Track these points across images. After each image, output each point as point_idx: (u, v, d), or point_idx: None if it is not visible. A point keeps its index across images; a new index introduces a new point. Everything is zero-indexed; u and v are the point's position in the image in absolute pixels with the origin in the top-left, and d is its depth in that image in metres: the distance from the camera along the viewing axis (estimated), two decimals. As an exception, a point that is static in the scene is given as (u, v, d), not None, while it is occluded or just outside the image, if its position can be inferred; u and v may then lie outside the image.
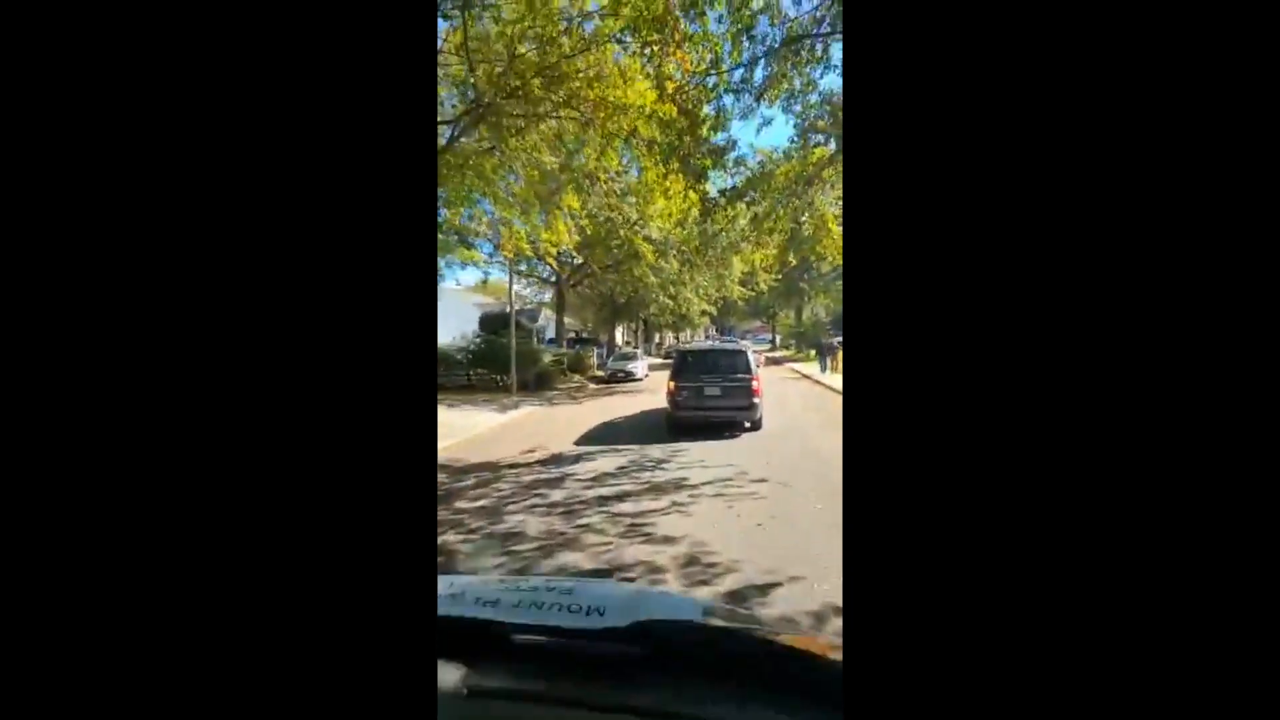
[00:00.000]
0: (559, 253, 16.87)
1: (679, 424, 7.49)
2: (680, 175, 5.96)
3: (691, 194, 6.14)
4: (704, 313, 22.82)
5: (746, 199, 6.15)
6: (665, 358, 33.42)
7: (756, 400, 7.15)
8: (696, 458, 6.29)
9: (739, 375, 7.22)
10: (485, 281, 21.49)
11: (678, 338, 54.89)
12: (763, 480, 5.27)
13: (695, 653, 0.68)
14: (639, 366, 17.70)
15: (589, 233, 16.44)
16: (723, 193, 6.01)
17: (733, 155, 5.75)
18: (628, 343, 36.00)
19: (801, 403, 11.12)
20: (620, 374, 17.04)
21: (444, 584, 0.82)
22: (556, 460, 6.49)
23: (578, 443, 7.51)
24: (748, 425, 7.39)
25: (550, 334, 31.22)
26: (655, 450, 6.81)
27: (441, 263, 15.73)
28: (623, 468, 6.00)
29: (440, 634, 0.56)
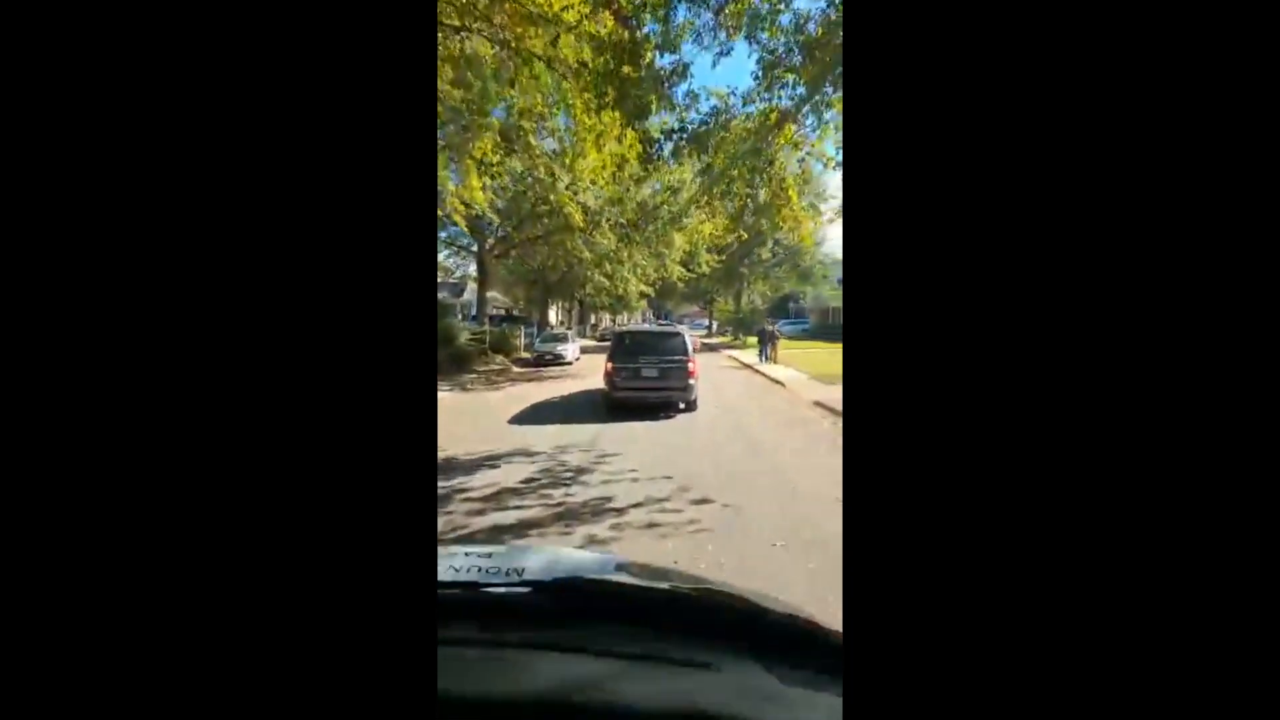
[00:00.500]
0: (481, 219, 15.09)
1: (616, 404, 7.49)
2: (616, 112, 4.63)
3: (629, 134, 4.82)
4: (642, 294, 21.49)
5: (697, 146, 4.89)
6: (601, 340, 31.98)
7: (692, 381, 7.30)
8: (627, 466, 5.09)
9: (676, 357, 7.34)
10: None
11: (614, 320, 53.46)
12: (705, 501, 4.14)
13: (610, 604, 0.75)
14: (569, 349, 16.33)
15: (508, 193, 14.74)
16: (668, 134, 4.73)
17: (683, 86, 4.51)
18: (562, 323, 34.30)
19: (743, 395, 10.10)
20: (548, 356, 15.64)
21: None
22: (448, 468, 5.09)
23: (481, 442, 6.13)
24: (682, 406, 7.45)
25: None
26: (575, 455, 5.56)
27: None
28: (532, 480, 4.70)
29: None
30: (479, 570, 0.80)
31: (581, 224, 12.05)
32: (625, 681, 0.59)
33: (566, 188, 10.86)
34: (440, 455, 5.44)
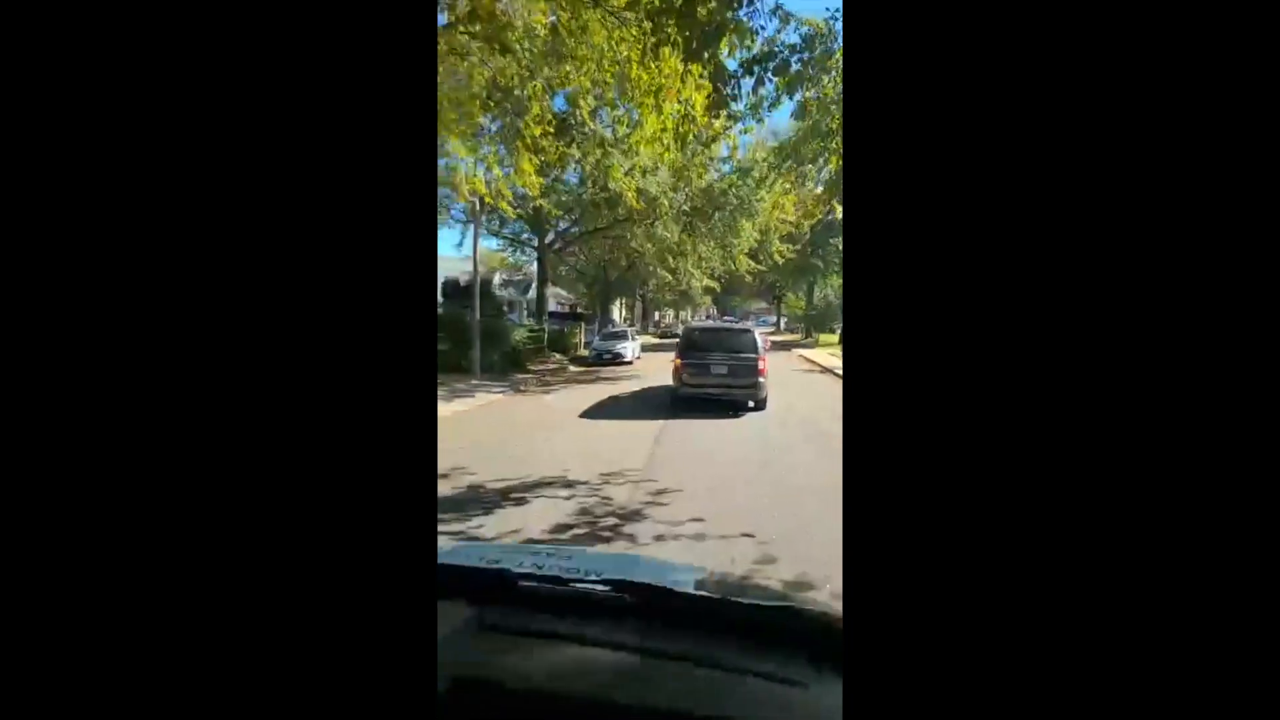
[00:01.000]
0: (541, 212, 14.38)
1: (683, 400, 7.48)
2: (677, 46, 3.48)
3: (694, 71, 3.63)
4: (707, 290, 20.13)
5: (786, 81, 3.60)
6: (663, 337, 30.98)
7: (762, 380, 7.21)
8: (689, 508, 3.95)
9: (746, 355, 7.25)
10: (462, 244, 18.99)
11: (678, 317, 52.32)
12: (805, 587, 2.77)
13: (681, 609, 0.77)
14: (629, 348, 15.34)
15: (563, 191, 13.93)
16: (748, 65, 3.49)
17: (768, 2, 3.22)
18: (626, 320, 33.54)
19: (830, 415, 7.83)
20: (607, 355, 14.77)
21: (445, 542, 1.03)
22: (469, 501, 4.15)
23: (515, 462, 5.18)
24: (751, 405, 7.34)
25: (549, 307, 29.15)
26: (624, 489, 4.48)
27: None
28: (563, 528, 3.66)
29: (455, 585, 0.75)
30: (561, 569, 0.85)
31: (638, 206, 10.96)
32: (719, 692, 0.59)
33: (626, 173, 9.84)
34: (462, 482, 4.53)
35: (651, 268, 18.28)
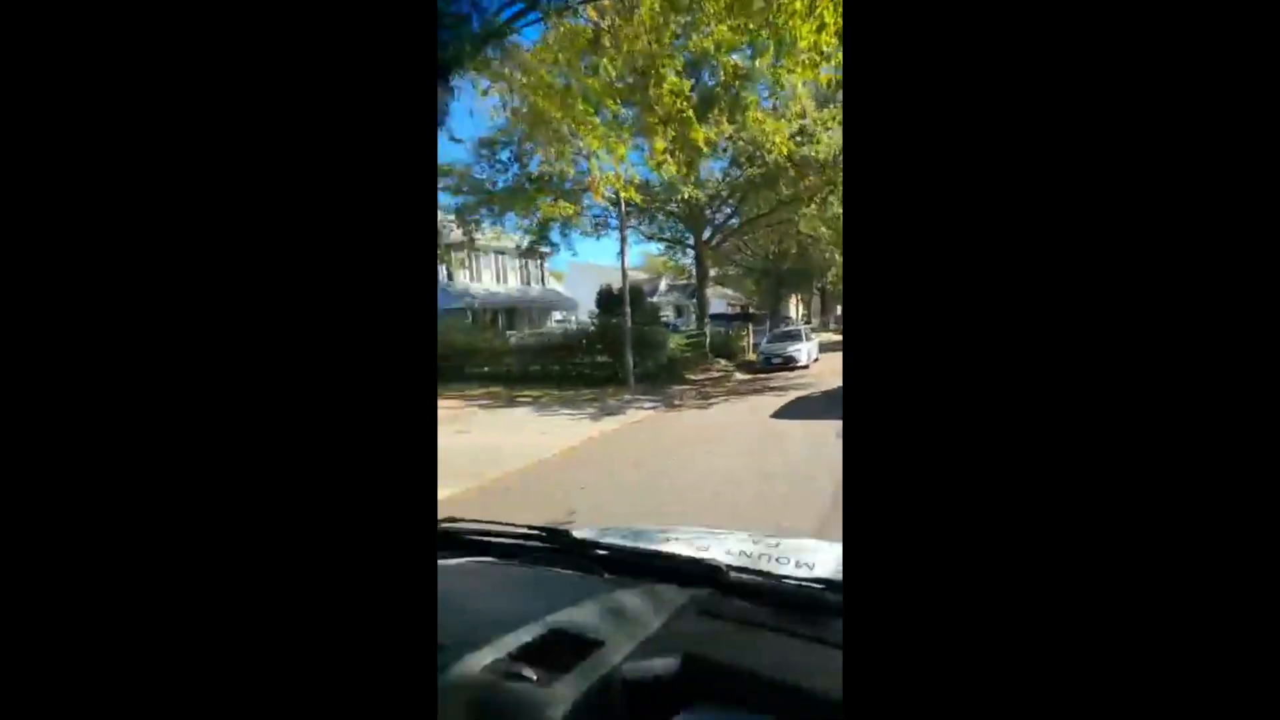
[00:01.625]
0: (698, 206, 13.08)
1: None
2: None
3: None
4: None
5: None
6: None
7: None
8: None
9: None
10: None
11: None
12: None
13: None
14: (803, 349, 12.82)
15: (713, 184, 12.34)
16: None
17: None
18: (803, 317, 30.61)
19: None
20: (776, 359, 12.59)
21: (659, 530, 1.08)
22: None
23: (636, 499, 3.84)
24: None
25: (713, 309, 27.89)
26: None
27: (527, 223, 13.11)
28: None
29: (668, 571, 0.81)
30: (770, 560, 0.89)
31: (804, 178, 8.97)
32: None
33: (784, 136, 8.01)
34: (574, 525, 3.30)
35: (827, 253, 15.79)
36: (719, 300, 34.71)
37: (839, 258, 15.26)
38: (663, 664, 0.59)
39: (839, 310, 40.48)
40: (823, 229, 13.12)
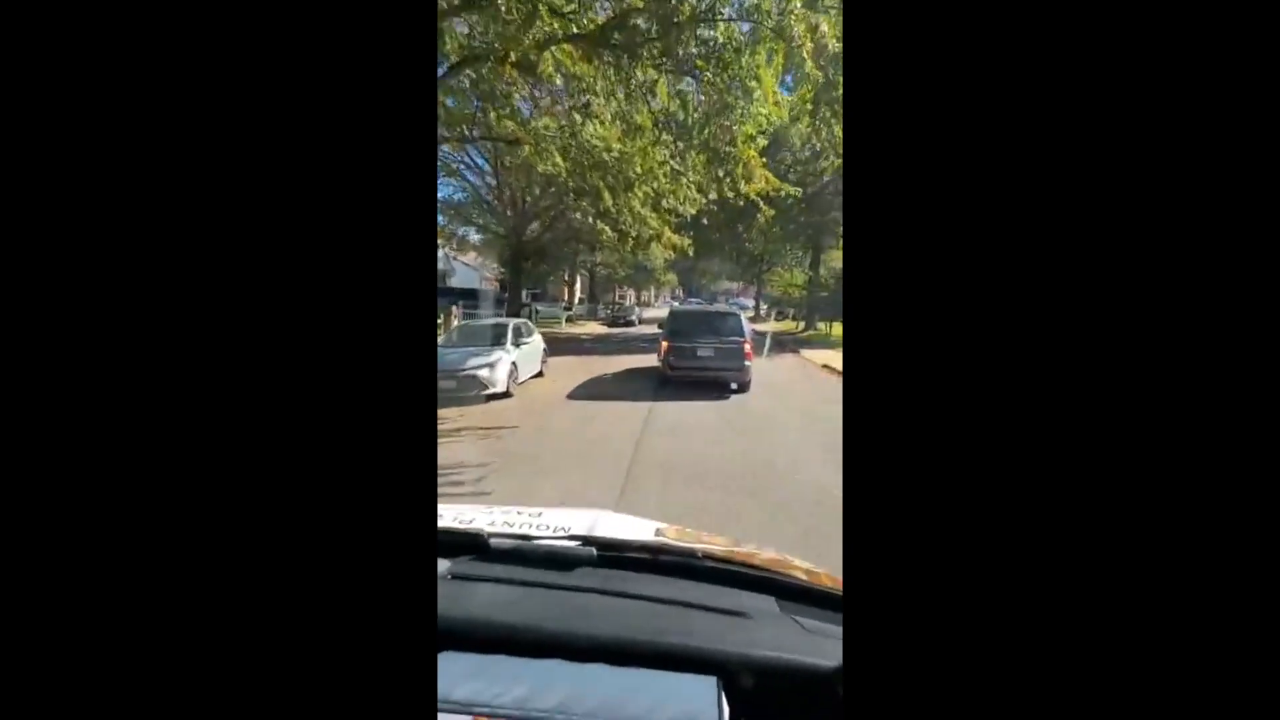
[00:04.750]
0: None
1: (670, 381, 7.54)
2: None
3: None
4: (668, 247, 12.55)
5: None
6: (614, 324, 23.78)
7: (748, 363, 7.36)
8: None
9: (732, 338, 7.38)
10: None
11: (639, 298, 44.85)
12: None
13: (640, 558, 0.85)
14: (501, 364, 6.90)
15: None
16: None
17: None
18: (562, 301, 26.29)
19: None
20: (454, 378, 6.35)
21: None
22: None
23: None
24: (734, 386, 7.34)
25: (458, 282, 21.51)
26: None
27: None
28: None
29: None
30: (531, 526, 0.96)
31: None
32: (664, 621, 0.67)
33: None
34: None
35: (581, 215, 11.34)
36: (469, 271, 28.35)
37: (599, 226, 10.95)
38: None
39: (615, 295, 37.00)
40: (556, 162, 8.42)
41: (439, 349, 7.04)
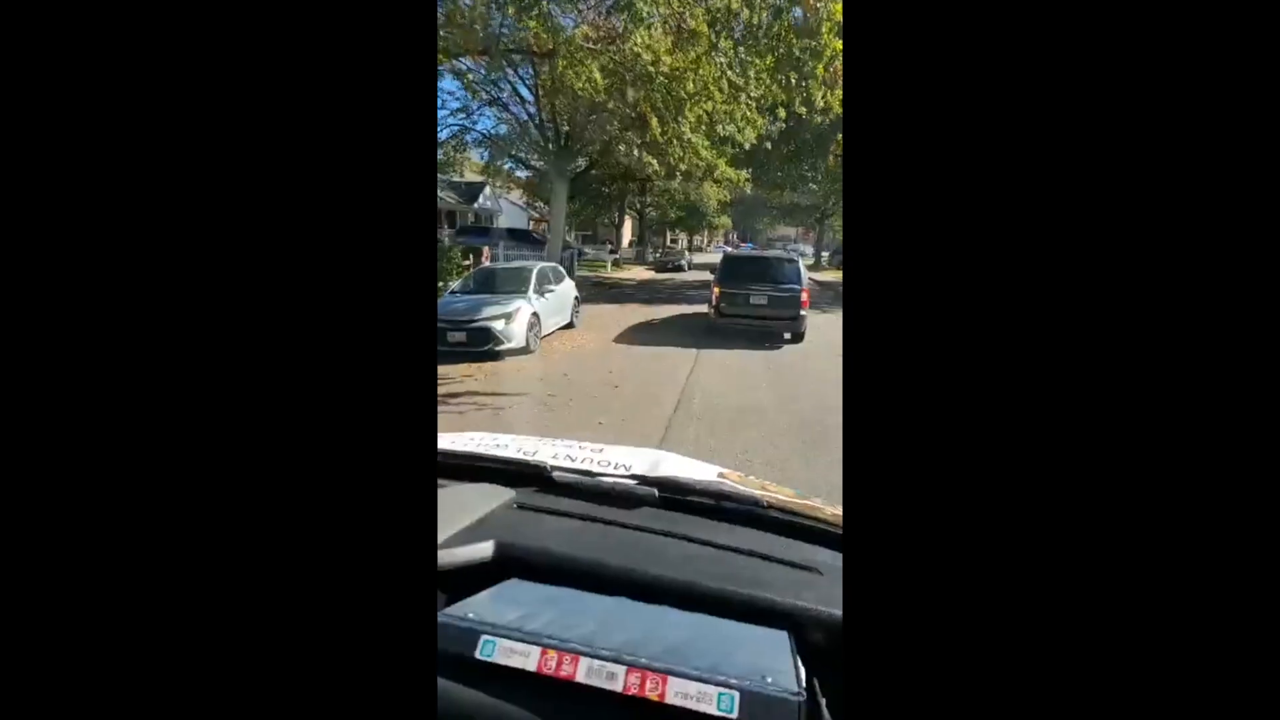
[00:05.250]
0: None
1: (719, 330, 7.21)
2: None
3: None
4: (726, 181, 11.13)
5: None
6: (662, 269, 22.61)
7: (803, 312, 6.98)
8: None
9: (788, 285, 6.93)
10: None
11: (691, 243, 42.44)
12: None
13: (702, 503, 0.84)
14: (519, 315, 5.82)
15: None
16: None
17: None
18: (608, 247, 25.18)
19: None
20: (459, 332, 5.49)
21: (491, 439, 1.03)
22: None
23: None
24: (788, 336, 7.04)
25: (508, 223, 20.76)
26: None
27: None
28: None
29: (495, 471, 0.89)
30: (593, 462, 0.94)
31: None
32: (731, 568, 0.64)
33: None
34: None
35: (626, 148, 10.16)
36: (516, 211, 27.40)
37: (646, 159, 9.74)
38: (474, 550, 0.64)
39: (668, 240, 35.00)
40: (600, 87, 7.25)
41: (446, 298, 6.25)
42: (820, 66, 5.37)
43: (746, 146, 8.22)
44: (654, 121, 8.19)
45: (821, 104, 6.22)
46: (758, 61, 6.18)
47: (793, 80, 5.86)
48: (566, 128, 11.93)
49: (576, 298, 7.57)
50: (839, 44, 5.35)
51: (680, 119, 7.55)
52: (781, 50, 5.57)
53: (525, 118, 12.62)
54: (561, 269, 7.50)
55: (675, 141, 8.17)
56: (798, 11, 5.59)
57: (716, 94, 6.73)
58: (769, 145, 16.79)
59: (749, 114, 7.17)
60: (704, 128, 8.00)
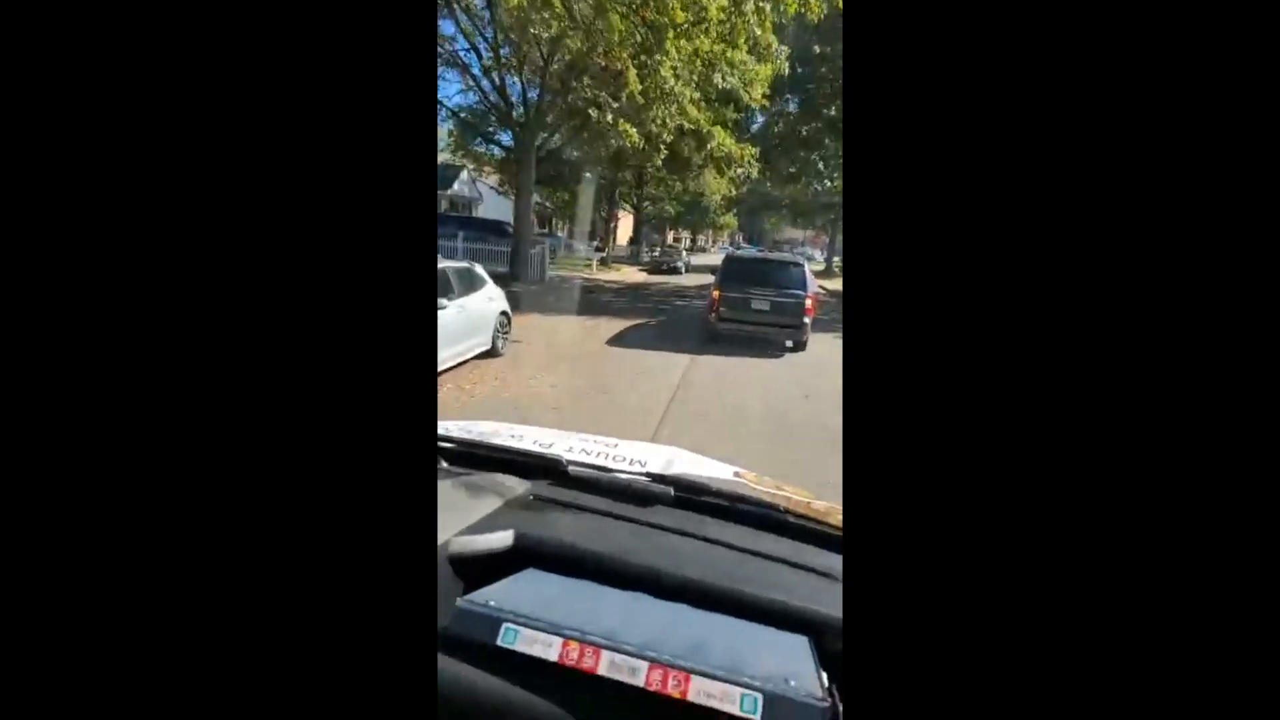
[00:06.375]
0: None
1: (717, 335, 6.91)
2: None
3: None
4: (732, 178, 9.10)
5: None
6: (656, 271, 20.38)
7: (807, 320, 6.66)
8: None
9: (793, 291, 6.66)
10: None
11: (694, 241, 40.08)
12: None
13: (715, 501, 0.83)
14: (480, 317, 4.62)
15: None
16: None
17: None
18: (596, 244, 22.98)
19: None
20: None
21: (507, 429, 1.05)
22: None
23: None
24: (789, 344, 6.73)
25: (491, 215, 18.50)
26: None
27: None
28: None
29: (511, 462, 0.89)
30: (608, 457, 0.95)
31: None
32: (748, 571, 0.64)
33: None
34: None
35: (598, 112, 8.04)
36: (501, 200, 25.01)
37: (617, 123, 7.61)
38: (493, 539, 0.65)
39: (669, 237, 32.50)
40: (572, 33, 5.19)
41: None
42: None
43: (754, 108, 6.12)
44: (631, 75, 6.11)
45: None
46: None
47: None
48: (536, 92, 9.80)
49: (504, 312, 5.38)
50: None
51: (660, 55, 5.40)
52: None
53: (488, 85, 10.49)
54: (479, 270, 5.27)
55: (657, 94, 6.01)
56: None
57: (715, 10, 4.58)
58: (778, 127, 14.38)
59: (747, 59, 5.01)
60: (695, 78, 5.85)
